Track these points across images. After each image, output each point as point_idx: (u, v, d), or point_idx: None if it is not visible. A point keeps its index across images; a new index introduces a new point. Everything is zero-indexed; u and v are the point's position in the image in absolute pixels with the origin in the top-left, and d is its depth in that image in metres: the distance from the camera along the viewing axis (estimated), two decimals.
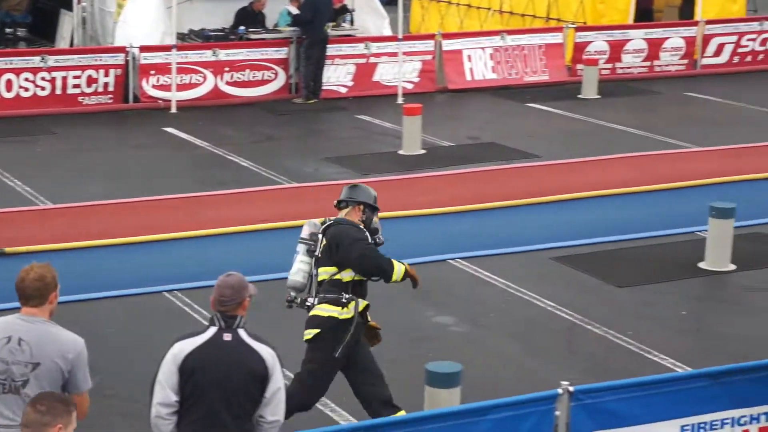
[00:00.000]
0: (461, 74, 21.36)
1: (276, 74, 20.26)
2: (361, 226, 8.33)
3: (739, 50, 22.97)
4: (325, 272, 8.23)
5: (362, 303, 8.27)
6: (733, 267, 12.26)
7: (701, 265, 12.34)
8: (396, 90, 20.33)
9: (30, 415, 5.16)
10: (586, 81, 21.03)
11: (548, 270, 12.32)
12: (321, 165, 16.29)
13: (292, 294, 8.27)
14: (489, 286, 11.84)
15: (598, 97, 20.82)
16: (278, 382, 6.33)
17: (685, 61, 22.72)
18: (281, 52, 20.23)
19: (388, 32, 21.75)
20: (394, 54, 20.48)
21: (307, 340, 8.24)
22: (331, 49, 20.30)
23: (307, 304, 8.23)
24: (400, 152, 16.97)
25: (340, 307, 8.15)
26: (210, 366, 6.26)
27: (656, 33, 22.57)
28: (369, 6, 22.00)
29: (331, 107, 19.89)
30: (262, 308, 9.47)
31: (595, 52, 21.95)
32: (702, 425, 7.48)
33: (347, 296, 8.18)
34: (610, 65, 22.20)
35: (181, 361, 6.27)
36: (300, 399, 8.16)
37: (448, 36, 21.84)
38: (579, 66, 21.70)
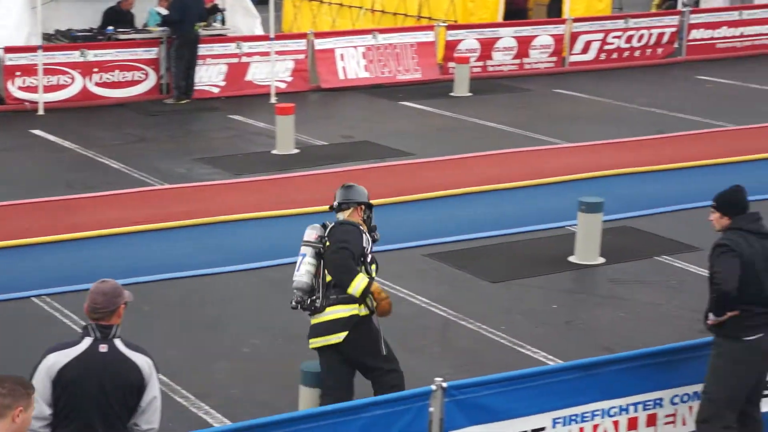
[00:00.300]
0: (334, 73, 21.38)
1: (146, 75, 20.02)
2: (362, 227, 8.39)
3: (606, 47, 23.41)
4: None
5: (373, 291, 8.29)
6: (602, 260, 12.50)
7: (571, 259, 12.55)
8: (269, 89, 20.26)
9: None
10: (458, 79, 21.22)
11: (422, 267, 12.41)
12: (194, 166, 16.15)
13: (299, 295, 8.23)
14: None
15: (470, 94, 21.03)
16: (154, 390, 6.25)
17: (554, 59, 23.08)
18: (151, 53, 20.00)
19: (259, 32, 21.66)
20: (267, 53, 20.41)
21: (327, 346, 8.18)
22: (203, 49, 20.14)
23: (316, 305, 8.21)
24: (274, 152, 16.91)
25: (356, 304, 8.18)
26: (86, 379, 6.12)
27: (525, 31, 22.89)
28: (240, 5, 21.87)
29: (203, 107, 19.74)
30: (136, 311, 9.36)
31: (466, 50, 22.16)
32: (573, 417, 7.61)
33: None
34: (481, 63, 22.44)
35: (55, 374, 6.12)
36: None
37: (320, 35, 21.84)
38: (451, 64, 21.89)
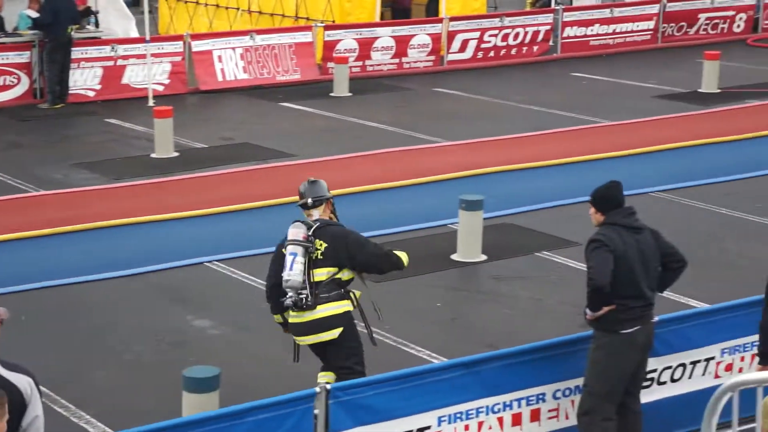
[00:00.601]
0: (212, 75, 21.21)
1: (19, 79, 19.63)
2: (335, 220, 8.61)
3: (483, 46, 23.64)
4: (326, 272, 8.36)
5: (357, 293, 8.55)
6: (484, 257, 12.61)
7: (454, 257, 12.63)
8: (146, 92, 20.01)
9: None
10: (338, 79, 21.23)
11: None
12: (71, 171, 15.87)
13: (295, 293, 8.28)
14: (247, 288, 11.79)
15: (350, 94, 21.05)
16: (36, 410, 6.07)
17: (432, 58, 23.23)
18: (23, 56, 19.62)
19: (135, 34, 21.40)
20: (143, 56, 20.15)
21: (331, 341, 8.34)
22: (76, 52, 19.81)
23: (307, 303, 8.29)
24: (153, 155, 16.72)
25: (348, 301, 8.40)
26: None
27: (403, 30, 22.99)
28: (114, 7, 21.58)
29: (79, 112, 19.42)
30: (15, 321, 9.15)
31: (345, 50, 22.19)
32: (458, 415, 7.66)
33: (351, 291, 8.44)
34: (360, 63, 22.48)
35: None
36: None
37: (197, 37, 21.66)
38: (330, 64, 21.90)
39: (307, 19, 23.69)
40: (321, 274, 8.35)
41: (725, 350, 8.75)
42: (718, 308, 8.88)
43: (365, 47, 22.50)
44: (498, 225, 13.64)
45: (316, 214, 8.57)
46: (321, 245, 8.34)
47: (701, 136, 17.58)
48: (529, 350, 8.02)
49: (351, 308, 8.44)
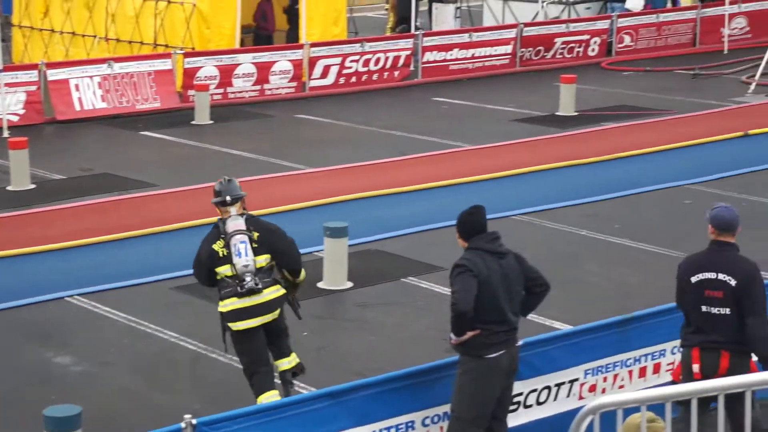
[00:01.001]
0: (70, 104, 20.82)
1: None
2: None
3: (344, 71, 23.68)
4: (264, 259, 9.18)
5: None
6: (350, 284, 12.58)
7: (320, 284, 12.58)
8: (0, 123, 19.53)
9: None
10: (199, 107, 21.04)
11: (171, 300, 12.19)
12: None
13: (250, 277, 8.98)
14: (110, 322, 11.56)
15: (212, 122, 20.87)
16: None
17: (294, 84, 23.18)
18: None
19: None
20: None
21: (271, 321, 9.18)
22: None
23: (259, 286, 9.02)
24: (9, 188, 16.33)
25: (279, 285, 9.30)
26: None
27: (264, 57, 22.90)
28: None
29: None
30: None
31: (206, 77, 22.00)
32: None
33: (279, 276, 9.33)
34: (221, 90, 22.31)
35: None
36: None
37: (52, 65, 21.24)
38: (190, 92, 21.69)
39: (166, 46, 23.44)
40: (261, 261, 9.12)
41: (588, 371, 8.86)
42: (581, 329, 8.99)
43: (226, 74, 22.35)
44: (363, 251, 13.63)
45: (234, 210, 9.17)
46: (255, 234, 9.10)
47: (560, 158, 17.86)
48: (396, 378, 7.99)
49: (284, 291, 9.27)
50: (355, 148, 18.86)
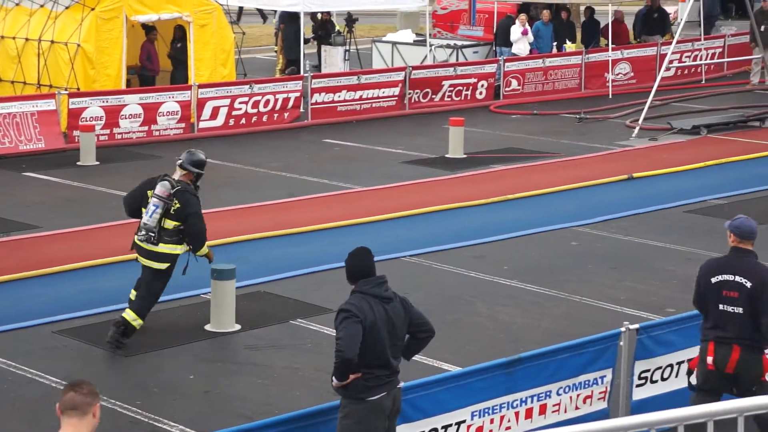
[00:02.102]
0: None
1: None
2: (191, 186, 11.87)
3: (234, 113, 23.57)
4: (172, 223, 11.69)
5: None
6: (237, 327, 12.44)
7: (207, 327, 12.42)
8: None
9: (76, 398, 6.00)
10: (84, 147, 20.72)
11: (52, 344, 11.92)
12: None
13: (147, 232, 11.64)
14: None
15: (98, 163, 20.56)
16: None
17: (183, 125, 22.98)
18: None
19: None
20: None
21: (157, 270, 11.76)
22: None
23: (151, 239, 11.64)
24: None
25: (181, 246, 11.80)
26: None
27: (151, 98, 22.68)
28: None
29: None
30: None
31: (91, 118, 21.69)
32: None
33: (185, 239, 11.79)
34: (107, 131, 22.01)
35: None
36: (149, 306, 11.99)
37: None
38: (76, 132, 21.36)
39: (50, 86, 23.07)
40: (170, 223, 11.65)
41: (476, 413, 8.86)
42: (468, 371, 9.00)
43: (112, 115, 22.07)
44: (252, 293, 13.51)
45: (177, 174, 11.86)
46: (176, 204, 11.64)
47: (450, 200, 17.96)
48: (283, 421, 7.91)
49: (180, 252, 11.78)
50: (245, 190, 18.74)
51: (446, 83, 26.30)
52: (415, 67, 26.38)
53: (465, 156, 21.32)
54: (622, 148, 22.27)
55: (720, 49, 30.78)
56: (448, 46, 29.45)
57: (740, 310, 8.89)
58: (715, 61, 30.50)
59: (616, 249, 15.68)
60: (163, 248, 11.67)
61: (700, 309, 9.22)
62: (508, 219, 17.08)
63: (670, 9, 33.59)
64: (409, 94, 25.79)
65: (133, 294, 11.95)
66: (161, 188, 11.62)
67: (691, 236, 16.18)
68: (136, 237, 11.78)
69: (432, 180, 19.55)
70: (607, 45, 29.00)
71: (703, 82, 29.79)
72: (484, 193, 18.40)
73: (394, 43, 29.69)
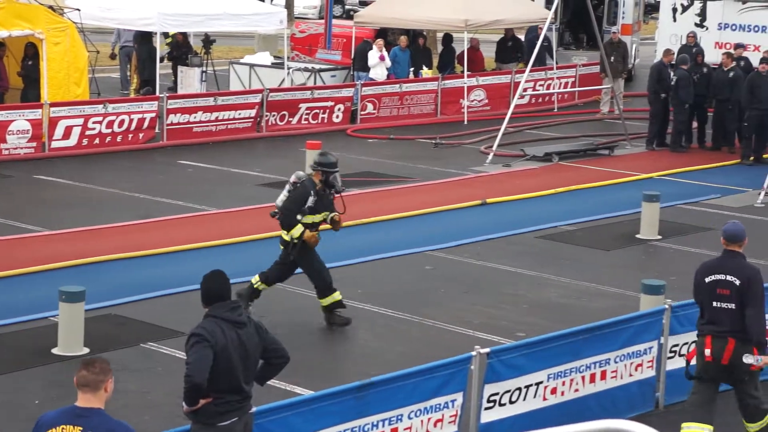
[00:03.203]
0: None
1: None
2: (317, 185, 13.32)
3: (87, 132, 23.17)
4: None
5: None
6: (86, 350, 12.19)
7: (54, 350, 12.18)
8: None
9: (88, 376, 6.75)
10: None
11: None
12: None
13: (275, 211, 13.54)
14: None
15: None
16: None
17: (34, 144, 22.49)
18: None
19: None
20: None
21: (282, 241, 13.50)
22: None
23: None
24: None
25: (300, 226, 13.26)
26: None
27: (0, 116, 22.16)
28: None
29: None
30: None
31: None
32: None
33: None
34: None
35: None
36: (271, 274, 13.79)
37: None
38: None
39: None
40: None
41: None
42: (320, 395, 8.99)
43: None
44: (102, 316, 13.30)
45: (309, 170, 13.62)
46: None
47: None
48: None
49: (287, 239, 13.44)
50: (97, 211, 18.43)
51: (303, 106, 26.32)
52: (272, 90, 26.34)
53: None
54: (476, 173, 22.58)
55: (572, 79, 31.47)
56: (306, 69, 29.49)
57: (732, 305, 9.91)
58: (567, 90, 31.19)
59: (470, 273, 15.87)
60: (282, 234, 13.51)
61: (698, 305, 10.25)
62: (364, 242, 17.15)
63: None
64: (266, 116, 25.73)
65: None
66: (293, 177, 13.48)
67: (542, 261, 16.47)
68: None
69: None
70: (463, 72, 29.40)
71: (556, 110, 30.41)
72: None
73: (251, 66, 29.59)
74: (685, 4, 31.34)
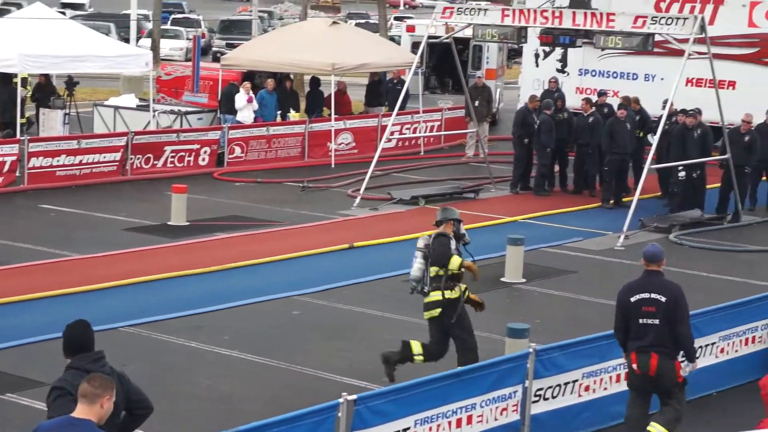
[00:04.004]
0: None
1: None
2: (451, 235, 12.80)
3: None
4: (434, 270, 12.70)
5: (462, 286, 12.84)
6: None
7: None
8: None
9: (87, 389, 7.13)
10: None
11: None
12: None
13: (413, 284, 12.82)
14: None
15: None
16: None
17: None
18: None
19: None
20: None
21: (431, 318, 12.83)
22: None
23: (425, 290, 12.75)
24: None
25: (449, 291, 12.68)
26: None
27: None
28: None
29: None
30: None
31: None
32: None
33: (451, 283, 12.68)
34: None
35: None
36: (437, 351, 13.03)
37: None
38: None
39: None
40: (432, 271, 12.72)
41: None
42: None
43: None
44: None
45: (441, 228, 12.91)
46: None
47: (173, 268, 17.75)
48: None
49: (450, 296, 12.66)
50: None
51: (169, 149, 26.08)
52: (137, 132, 26.06)
53: (188, 223, 21.13)
54: (343, 217, 22.61)
55: (438, 122, 31.82)
56: (172, 111, 29.25)
57: (657, 321, 10.65)
58: (434, 133, 31.50)
59: (337, 318, 15.85)
60: (433, 296, 12.75)
61: (623, 330, 10.86)
62: (230, 288, 17.01)
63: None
64: (131, 159, 25.42)
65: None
66: (421, 242, 12.94)
67: (409, 305, 16.50)
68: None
69: (154, 247, 19.27)
70: (330, 115, 29.49)
71: (422, 153, 30.68)
72: (207, 261, 18.27)
73: (116, 108, 29.25)
74: (547, 50, 31.94)
